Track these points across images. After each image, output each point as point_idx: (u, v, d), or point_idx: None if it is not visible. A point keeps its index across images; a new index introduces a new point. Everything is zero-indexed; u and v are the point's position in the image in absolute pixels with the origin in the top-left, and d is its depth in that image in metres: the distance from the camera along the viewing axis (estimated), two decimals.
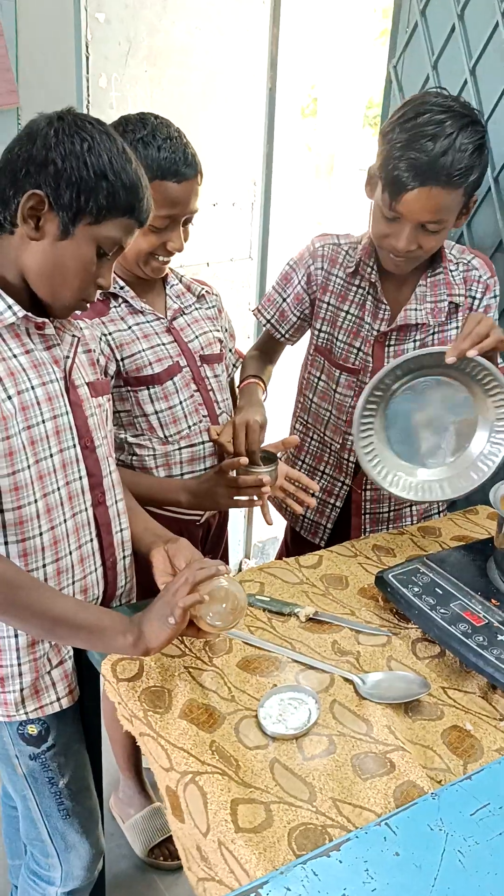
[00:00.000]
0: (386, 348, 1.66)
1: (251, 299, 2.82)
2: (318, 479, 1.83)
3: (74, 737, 1.39)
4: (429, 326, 1.66)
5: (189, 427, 1.64)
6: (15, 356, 1.17)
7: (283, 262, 1.80)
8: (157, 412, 1.60)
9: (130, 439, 1.61)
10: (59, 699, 1.32)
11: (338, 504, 1.83)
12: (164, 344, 1.61)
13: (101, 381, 1.35)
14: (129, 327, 1.57)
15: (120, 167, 1.14)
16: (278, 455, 1.62)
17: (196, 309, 1.71)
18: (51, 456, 1.21)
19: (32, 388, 1.18)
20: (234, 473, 1.53)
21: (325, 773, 1.05)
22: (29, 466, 1.17)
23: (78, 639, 1.19)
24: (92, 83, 2.13)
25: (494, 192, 1.84)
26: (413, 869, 0.88)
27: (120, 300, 1.58)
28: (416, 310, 1.65)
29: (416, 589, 1.34)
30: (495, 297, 1.70)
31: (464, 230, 1.94)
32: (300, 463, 1.86)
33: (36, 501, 1.19)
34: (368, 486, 1.79)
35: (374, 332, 1.66)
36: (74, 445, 1.25)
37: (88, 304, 1.24)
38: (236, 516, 3.06)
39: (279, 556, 2.04)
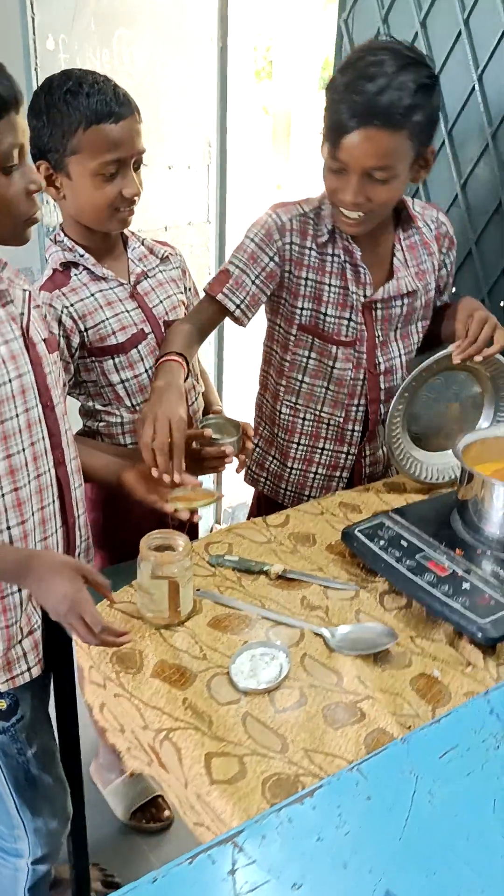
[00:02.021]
0: (374, 313, 1.65)
1: (210, 263, 2.80)
2: (318, 455, 1.78)
3: (42, 708, 1.40)
4: (417, 292, 1.66)
5: None
6: None
7: (243, 225, 1.74)
8: (122, 381, 1.59)
9: (98, 407, 1.60)
10: (29, 669, 1.32)
11: (344, 476, 1.79)
12: (127, 311, 1.58)
13: (52, 337, 1.33)
14: (92, 294, 1.55)
15: None
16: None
17: (160, 271, 1.67)
18: (16, 416, 1.20)
19: None
20: (196, 444, 1.53)
21: (296, 724, 1.07)
22: None
23: None
24: (39, 46, 2.08)
25: (448, 146, 1.84)
26: (385, 812, 0.90)
27: (80, 268, 1.55)
28: (404, 277, 1.64)
29: (381, 542, 1.36)
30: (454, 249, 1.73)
31: (458, 192, 1.93)
32: (296, 445, 1.77)
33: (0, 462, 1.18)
34: (368, 453, 1.79)
35: (362, 300, 1.62)
36: (37, 405, 1.24)
37: (36, 217, 1.20)
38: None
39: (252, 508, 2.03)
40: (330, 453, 1.77)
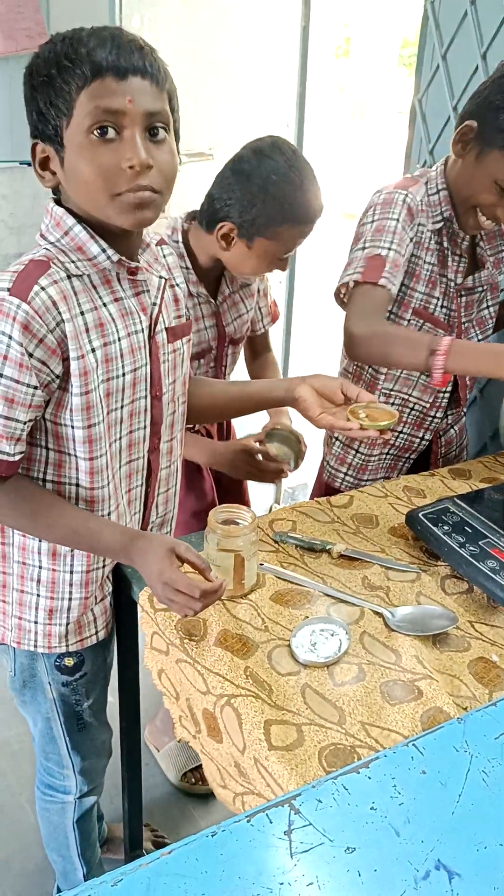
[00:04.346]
0: (460, 299, 1.67)
1: None
2: (395, 438, 1.80)
3: (104, 664, 1.46)
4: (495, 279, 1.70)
5: None
6: (105, 305, 1.16)
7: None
8: None
9: None
10: (97, 632, 1.38)
11: (413, 457, 1.82)
12: (206, 328, 1.64)
13: (181, 325, 1.32)
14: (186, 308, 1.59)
15: (54, 57, 1.05)
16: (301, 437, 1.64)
17: (241, 291, 1.72)
18: (121, 407, 1.22)
19: (119, 339, 1.18)
20: (259, 457, 1.58)
21: (354, 698, 1.09)
22: (103, 420, 1.18)
23: (84, 548, 1.24)
24: (125, 24, 2.12)
25: None
26: (438, 786, 0.93)
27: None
28: (489, 266, 1.67)
29: (445, 527, 1.37)
30: None
31: None
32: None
33: (106, 453, 1.22)
34: (443, 435, 1.82)
35: (454, 286, 1.64)
36: (146, 396, 1.26)
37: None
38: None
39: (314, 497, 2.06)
40: (406, 436, 1.80)
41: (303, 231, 1.53)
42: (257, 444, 1.60)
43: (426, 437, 1.79)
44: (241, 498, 1.95)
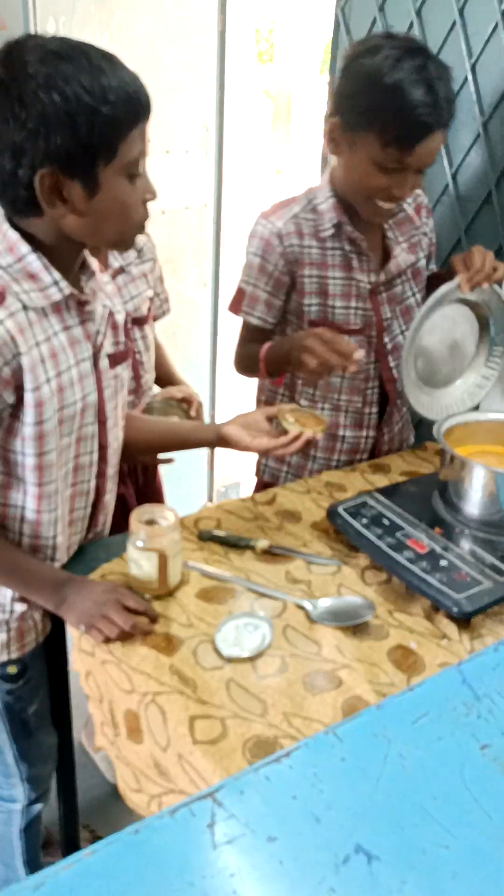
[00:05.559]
0: (378, 297, 1.69)
1: (208, 247, 2.83)
2: (339, 443, 1.80)
3: (43, 669, 1.45)
4: (412, 265, 1.72)
5: None
6: (56, 334, 1.16)
7: (241, 209, 1.77)
8: None
9: None
10: (37, 636, 1.38)
11: (364, 458, 1.84)
12: None
13: (119, 351, 1.33)
14: None
15: (100, 92, 1.03)
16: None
17: (135, 265, 1.71)
18: (70, 434, 1.22)
19: (70, 368, 1.18)
20: None
21: (277, 690, 1.11)
22: (55, 448, 1.19)
23: (17, 587, 1.27)
24: (39, 27, 2.10)
25: (484, 141, 1.86)
26: (358, 772, 0.95)
27: None
28: (400, 254, 1.69)
29: (364, 520, 1.40)
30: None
31: (449, 181, 1.95)
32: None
33: (56, 479, 1.22)
34: (385, 431, 1.83)
35: (368, 286, 1.66)
36: (94, 422, 1.27)
37: (145, 225, 1.19)
38: (200, 461, 3.11)
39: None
40: (351, 440, 1.80)
41: None
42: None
43: (371, 435, 1.80)
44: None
